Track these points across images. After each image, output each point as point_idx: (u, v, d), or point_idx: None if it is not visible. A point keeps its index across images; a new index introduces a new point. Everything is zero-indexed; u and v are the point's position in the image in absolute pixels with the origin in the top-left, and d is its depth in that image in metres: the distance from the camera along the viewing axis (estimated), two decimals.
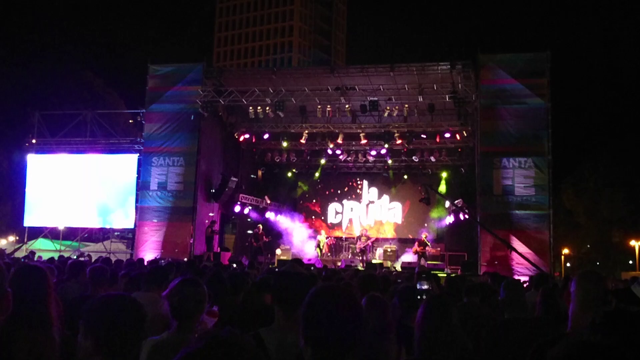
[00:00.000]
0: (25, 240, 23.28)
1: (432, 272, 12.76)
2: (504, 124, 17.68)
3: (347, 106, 19.63)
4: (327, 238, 22.69)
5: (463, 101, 18.41)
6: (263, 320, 2.97)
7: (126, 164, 21.17)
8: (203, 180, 20.12)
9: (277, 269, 6.11)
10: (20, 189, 23.40)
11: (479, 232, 17.58)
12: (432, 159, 21.59)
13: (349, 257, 22.22)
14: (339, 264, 19.87)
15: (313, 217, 24.94)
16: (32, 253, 16.63)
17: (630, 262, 41.52)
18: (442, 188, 22.56)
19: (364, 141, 21.24)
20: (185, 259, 15.58)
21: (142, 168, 20.20)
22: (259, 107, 19.78)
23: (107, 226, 22.54)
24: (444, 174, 22.87)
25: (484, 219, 17.46)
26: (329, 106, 19.68)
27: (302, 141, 21.38)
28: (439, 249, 21.44)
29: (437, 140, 20.73)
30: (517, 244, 16.87)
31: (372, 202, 24.87)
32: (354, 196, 25.06)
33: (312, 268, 13.20)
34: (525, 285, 8.86)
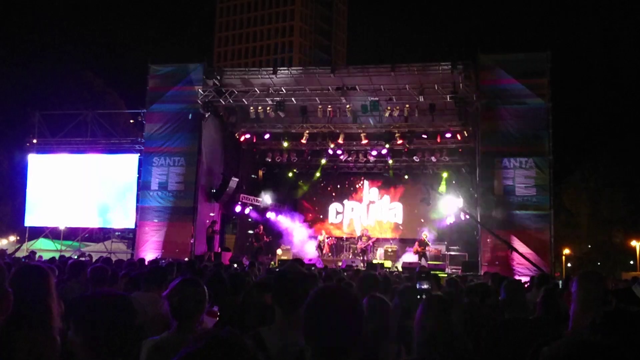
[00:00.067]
0: (26, 240, 23.28)
1: (433, 272, 12.76)
2: (505, 124, 17.68)
3: (347, 106, 19.62)
4: (327, 238, 22.68)
5: (464, 101, 18.40)
6: (263, 320, 2.97)
7: (127, 164, 21.17)
8: (204, 180, 20.12)
9: (277, 269, 6.11)
10: (21, 189, 23.41)
11: (480, 232, 17.57)
12: (433, 159, 21.58)
13: (350, 257, 22.21)
14: (340, 264, 19.86)
15: (314, 217, 24.93)
16: (33, 253, 16.61)
17: (631, 262, 41.48)
18: (443, 188, 22.56)
19: (364, 141, 21.23)
20: (186, 259, 15.58)
21: (143, 168, 20.21)
22: (259, 107, 19.78)
23: (108, 226, 22.55)
24: (445, 174, 22.87)
25: (484, 220, 17.45)
26: (329, 106, 19.68)
27: (303, 141, 21.37)
28: (439, 249, 21.44)
29: (438, 140, 20.71)
30: (517, 244, 16.87)
31: (373, 202, 24.88)
32: (354, 196, 25.08)
33: (312, 268, 13.22)
34: (526, 285, 8.86)
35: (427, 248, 20.20)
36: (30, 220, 22.19)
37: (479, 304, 5.38)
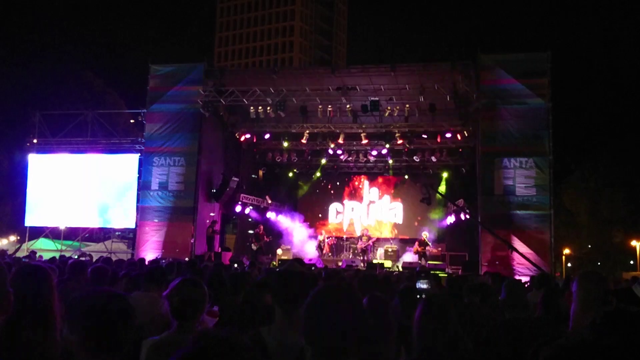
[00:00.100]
0: (27, 240, 23.29)
1: (433, 272, 12.77)
2: (505, 124, 17.68)
3: (348, 106, 19.62)
4: (327, 238, 22.69)
5: (464, 101, 18.40)
6: (263, 320, 2.97)
7: (127, 163, 21.19)
8: (204, 180, 20.12)
9: (277, 269, 6.12)
10: (21, 189, 23.41)
11: (480, 232, 17.57)
12: (433, 159, 21.58)
13: (350, 257, 22.22)
14: (340, 263, 19.88)
15: (313, 217, 24.94)
16: (34, 253, 16.60)
17: (631, 262, 41.46)
18: (443, 188, 22.58)
19: (364, 141, 21.23)
20: (186, 259, 15.58)
21: (143, 168, 20.22)
22: (259, 107, 19.77)
23: (108, 226, 22.56)
24: (445, 174, 22.90)
25: (484, 219, 17.45)
26: (329, 106, 19.67)
27: (303, 141, 21.37)
28: (440, 249, 21.45)
29: (438, 140, 20.73)
30: (518, 244, 16.86)
31: (373, 202, 24.89)
32: (354, 196, 25.08)
33: (312, 268, 13.22)
34: (526, 285, 8.86)
35: (427, 248, 20.22)
36: (31, 220, 22.19)
37: (479, 304, 5.39)
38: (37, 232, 23.24)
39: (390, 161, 22.98)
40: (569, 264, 44.51)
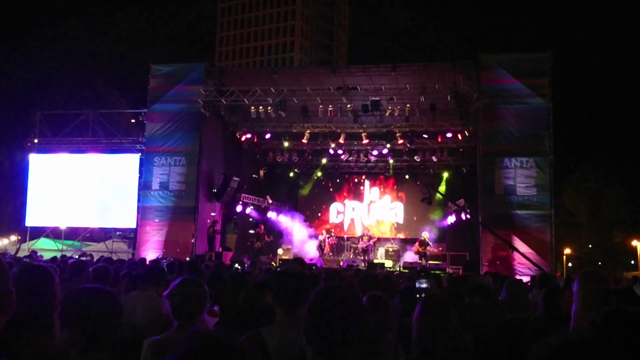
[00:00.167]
0: (27, 239, 23.29)
1: (433, 272, 12.77)
2: (506, 124, 17.67)
3: (348, 106, 19.62)
4: (328, 238, 22.69)
5: (464, 101, 18.39)
6: (264, 319, 2.97)
7: (128, 163, 21.18)
8: (205, 180, 20.13)
9: (278, 269, 6.11)
10: (22, 189, 23.40)
11: (481, 232, 17.56)
12: (434, 158, 21.58)
13: (351, 256, 22.22)
14: (341, 263, 19.89)
15: (314, 216, 24.94)
16: (34, 252, 16.61)
17: (632, 262, 41.44)
18: (443, 188, 22.58)
19: (365, 141, 21.24)
20: (187, 259, 15.58)
21: (144, 168, 20.22)
22: (260, 107, 19.76)
23: (109, 226, 22.56)
24: (446, 174, 22.90)
25: (485, 219, 17.44)
26: (330, 106, 19.67)
27: (304, 141, 21.38)
28: (440, 248, 21.45)
29: (439, 140, 20.73)
30: (518, 244, 16.86)
31: (374, 201, 24.89)
32: (355, 196, 25.08)
33: (313, 268, 13.23)
34: (527, 285, 8.86)
35: (427, 248, 20.22)
36: (31, 219, 22.19)
37: (479, 304, 5.38)
38: (38, 232, 23.23)
39: (391, 161, 22.99)
40: (570, 264, 44.46)
